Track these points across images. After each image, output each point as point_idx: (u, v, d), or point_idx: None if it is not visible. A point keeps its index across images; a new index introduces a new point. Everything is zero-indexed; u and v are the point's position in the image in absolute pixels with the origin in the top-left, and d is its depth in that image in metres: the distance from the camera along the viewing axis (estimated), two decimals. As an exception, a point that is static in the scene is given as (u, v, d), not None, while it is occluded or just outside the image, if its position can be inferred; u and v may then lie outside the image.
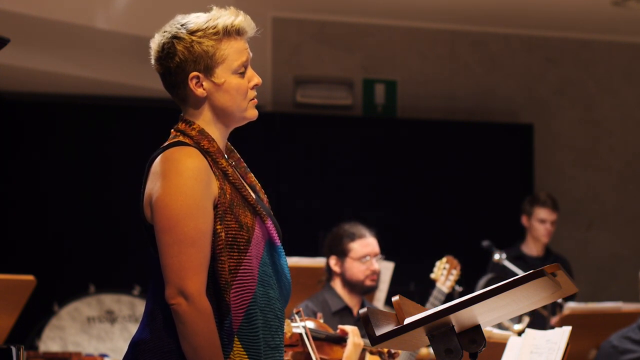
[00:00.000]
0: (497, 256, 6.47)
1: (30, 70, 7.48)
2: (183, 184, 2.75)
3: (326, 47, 8.61)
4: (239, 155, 3.02)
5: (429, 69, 8.79)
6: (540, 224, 7.10)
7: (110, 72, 7.78)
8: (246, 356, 2.79)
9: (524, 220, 7.19)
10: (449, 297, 5.36)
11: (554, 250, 7.36)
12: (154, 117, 7.69)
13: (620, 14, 8.25)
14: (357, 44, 8.67)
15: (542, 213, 7.10)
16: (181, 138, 2.86)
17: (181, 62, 2.84)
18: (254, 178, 3.01)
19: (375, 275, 5.29)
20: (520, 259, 6.92)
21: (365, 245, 5.28)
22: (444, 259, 5.49)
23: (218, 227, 2.77)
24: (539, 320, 6.17)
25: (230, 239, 2.79)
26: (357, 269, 5.24)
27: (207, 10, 2.91)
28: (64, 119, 7.93)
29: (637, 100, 9.16)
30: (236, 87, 2.88)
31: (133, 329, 6.99)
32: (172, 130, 2.91)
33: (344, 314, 5.24)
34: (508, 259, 6.59)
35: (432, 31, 8.80)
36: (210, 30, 2.85)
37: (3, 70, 7.33)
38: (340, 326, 4.09)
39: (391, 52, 8.74)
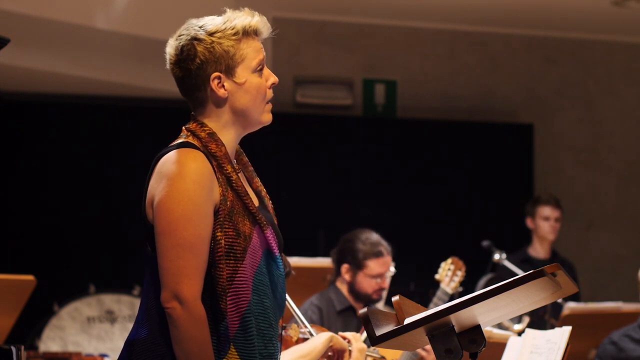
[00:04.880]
0: (497, 256, 6.47)
1: (30, 70, 7.49)
2: (185, 188, 2.74)
3: (326, 47, 8.61)
4: (247, 159, 3.01)
5: (429, 69, 8.79)
6: (545, 222, 7.13)
7: (110, 72, 7.78)
8: (241, 363, 2.79)
9: (529, 222, 7.20)
10: (451, 299, 5.36)
11: (560, 254, 7.37)
12: (154, 117, 7.70)
13: (620, 14, 8.25)
14: (357, 44, 8.67)
15: (545, 211, 7.13)
16: (190, 139, 2.85)
17: (202, 64, 2.83)
18: (260, 183, 3.00)
19: (382, 291, 5.29)
20: (527, 262, 6.93)
21: (381, 264, 5.26)
22: (449, 260, 5.48)
23: (218, 233, 2.77)
24: (538, 322, 6.16)
25: (227, 247, 2.78)
26: (367, 284, 5.25)
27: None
28: (64, 119, 7.93)
29: (637, 100, 9.16)
30: (257, 86, 2.88)
31: (133, 329, 6.99)
32: (183, 127, 2.90)
33: (348, 313, 5.25)
34: (515, 262, 6.60)
35: (432, 31, 8.80)
36: (229, 31, 2.84)
37: (3, 70, 7.33)
38: (340, 333, 4.09)
39: (391, 52, 8.74)
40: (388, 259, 5.29)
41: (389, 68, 8.74)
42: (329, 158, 8.37)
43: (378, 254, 5.25)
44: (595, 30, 8.92)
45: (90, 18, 7.36)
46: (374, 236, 5.33)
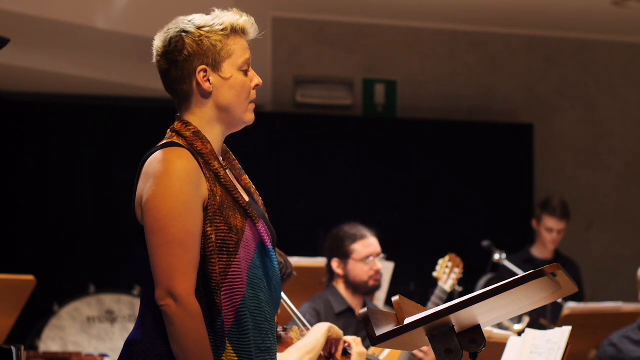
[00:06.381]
0: (497, 256, 6.46)
1: (30, 70, 7.48)
2: (172, 185, 2.76)
3: (326, 47, 8.61)
4: (234, 157, 3.03)
5: (429, 69, 8.79)
6: (547, 232, 7.06)
7: (110, 72, 7.78)
8: (237, 358, 2.79)
9: (534, 223, 7.17)
10: (450, 296, 5.36)
11: (563, 253, 7.33)
12: (154, 117, 7.69)
13: (620, 14, 8.25)
14: (357, 44, 8.67)
15: (550, 222, 7.04)
16: (175, 139, 2.87)
17: (189, 56, 2.86)
18: (248, 180, 3.02)
19: (379, 275, 5.30)
20: (529, 262, 6.90)
21: (367, 245, 5.28)
22: (447, 257, 5.48)
23: (208, 229, 2.78)
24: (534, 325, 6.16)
25: (219, 242, 2.79)
26: (360, 270, 5.25)
27: (207, 10, 2.94)
28: (64, 119, 7.93)
29: (637, 100, 9.16)
30: (242, 83, 2.91)
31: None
32: (168, 130, 2.92)
33: (347, 315, 5.24)
34: (518, 262, 6.59)
35: (432, 31, 8.79)
36: (218, 27, 2.88)
37: (3, 70, 7.33)
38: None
39: (391, 52, 8.74)
40: (373, 240, 5.31)
41: (389, 68, 8.74)
42: (329, 158, 8.37)
43: (362, 237, 5.29)
44: (595, 30, 8.92)
45: (90, 18, 7.36)
46: (356, 225, 5.36)
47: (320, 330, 3.60)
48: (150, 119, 7.65)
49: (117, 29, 7.42)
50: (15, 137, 7.83)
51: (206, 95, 2.89)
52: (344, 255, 5.27)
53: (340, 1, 8.28)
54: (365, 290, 5.28)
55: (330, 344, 3.63)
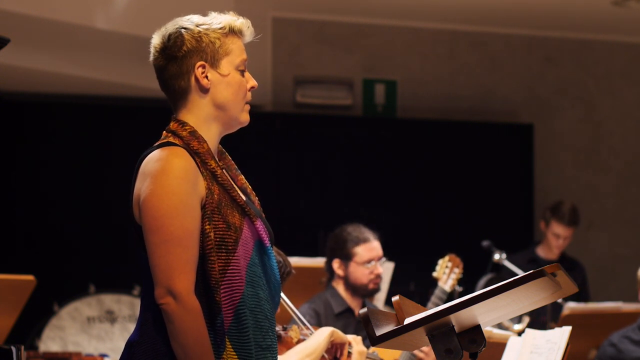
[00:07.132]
0: (497, 256, 6.46)
1: (30, 70, 7.48)
2: (169, 183, 2.76)
3: (326, 47, 8.61)
4: (229, 157, 3.04)
5: (429, 69, 8.79)
6: (554, 238, 7.04)
7: (110, 72, 7.78)
8: (236, 357, 2.79)
9: (542, 225, 7.15)
10: (450, 296, 5.36)
11: (569, 254, 7.32)
12: (153, 117, 7.68)
13: (620, 14, 8.25)
14: (357, 44, 8.67)
15: (558, 228, 7.01)
16: (171, 138, 2.88)
17: (188, 51, 2.88)
18: (244, 180, 3.03)
19: (379, 279, 5.30)
20: (534, 262, 6.88)
21: (369, 249, 5.28)
22: (447, 258, 5.48)
23: (207, 227, 2.78)
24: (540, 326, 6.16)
25: (218, 239, 2.80)
26: (361, 273, 5.25)
27: (206, 11, 2.96)
28: (64, 119, 7.93)
29: (637, 100, 9.16)
30: (239, 82, 2.93)
31: (133, 329, 6.98)
32: (164, 131, 2.93)
33: (346, 315, 5.24)
34: (522, 262, 6.58)
35: (432, 31, 8.79)
36: (216, 25, 2.91)
37: (3, 70, 7.33)
38: None
39: (391, 52, 8.74)
40: (376, 244, 5.31)
41: (389, 68, 8.74)
42: (329, 158, 8.37)
43: (365, 240, 5.28)
44: (595, 30, 8.92)
45: (90, 18, 7.35)
46: (360, 226, 5.35)
47: (323, 334, 3.60)
48: (149, 119, 7.64)
49: (117, 29, 7.41)
50: (15, 137, 7.83)
51: (204, 91, 2.90)
52: (346, 257, 5.27)
53: (340, 1, 8.28)
54: (364, 293, 5.29)
55: (335, 348, 3.63)
